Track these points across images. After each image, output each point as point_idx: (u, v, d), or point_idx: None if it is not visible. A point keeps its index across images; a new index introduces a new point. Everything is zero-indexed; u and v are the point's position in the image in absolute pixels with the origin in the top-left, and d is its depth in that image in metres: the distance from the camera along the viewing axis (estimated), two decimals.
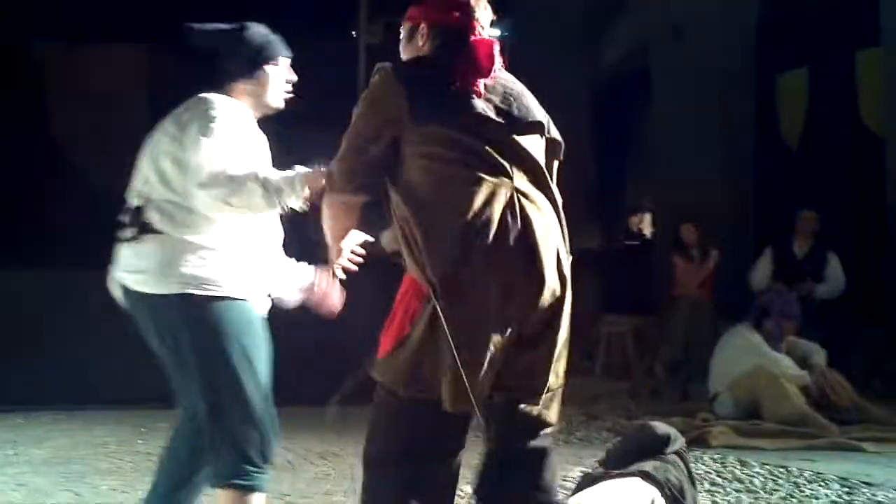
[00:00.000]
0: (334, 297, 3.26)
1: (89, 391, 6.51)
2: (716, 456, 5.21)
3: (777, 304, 6.72)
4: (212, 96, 2.93)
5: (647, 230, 11.11)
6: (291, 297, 3.24)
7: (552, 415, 2.72)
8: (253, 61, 3.01)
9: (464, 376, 2.44)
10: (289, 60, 3.09)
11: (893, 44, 8.45)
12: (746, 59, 10.03)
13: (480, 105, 2.62)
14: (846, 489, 4.52)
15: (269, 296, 3.09)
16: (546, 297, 2.59)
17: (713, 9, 9.82)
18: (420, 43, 2.77)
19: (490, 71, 2.67)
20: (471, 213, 2.51)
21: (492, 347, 2.51)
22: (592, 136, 11.22)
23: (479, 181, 2.55)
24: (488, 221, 2.52)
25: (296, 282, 3.21)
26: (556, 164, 2.82)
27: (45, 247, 8.15)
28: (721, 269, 8.46)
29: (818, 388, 6.35)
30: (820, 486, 4.59)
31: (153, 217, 2.85)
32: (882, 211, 8.43)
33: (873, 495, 4.40)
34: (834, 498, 4.39)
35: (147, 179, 2.90)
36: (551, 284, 2.60)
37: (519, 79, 2.82)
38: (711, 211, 9.03)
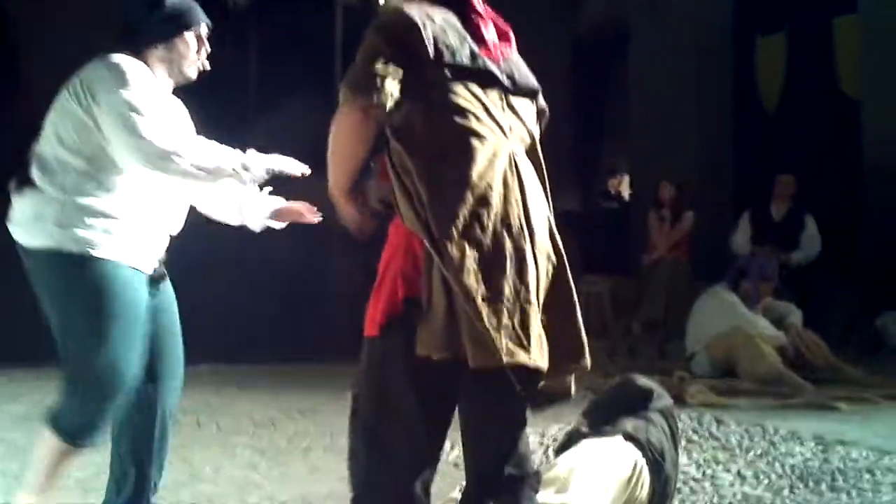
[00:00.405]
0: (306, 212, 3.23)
1: None
2: (693, 414, 5.24)
3: (754, 266, 6.78)
4: (117, 56, 2.86)
5: (625, 192, 11.14)
6: (256, 223, 3.22)
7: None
8: (170, 28, 2.95)
9: (486, 325, 2.35)
10: (207, 30, 3.03)
11: (870, 11, 8.48)
12: (725, 24, 10.02)
13: (490, 62, 2.56)
14: (821, 447, 4.56)
15: (161, 261, 3.04)
16: (543, 261, 2.55)
17: None
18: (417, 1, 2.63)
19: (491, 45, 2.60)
20: (476, 171, 2.44)
21: (507, 303, 2.41)
22: (571, 100, 11.20)
23: (483, 138, 2.48)
24: (492, 180, 2.46)
25: (260, 210, 3.18)
26: (538, 133, 2.77)
27: None
28: (699, 231, 8.50)
29: (794, 349, 6.43)
30: (795, 444, 4.64)
31: (35, 172, 2.84)
32: (858, 174, 8.48)
33: (847, 453, 4.44)
34: (808, 456, 4.43)
35: (45, 135, 2.88)
36: (544, 247, 2.56)
37: None
38: (690, 174, 9.05)
